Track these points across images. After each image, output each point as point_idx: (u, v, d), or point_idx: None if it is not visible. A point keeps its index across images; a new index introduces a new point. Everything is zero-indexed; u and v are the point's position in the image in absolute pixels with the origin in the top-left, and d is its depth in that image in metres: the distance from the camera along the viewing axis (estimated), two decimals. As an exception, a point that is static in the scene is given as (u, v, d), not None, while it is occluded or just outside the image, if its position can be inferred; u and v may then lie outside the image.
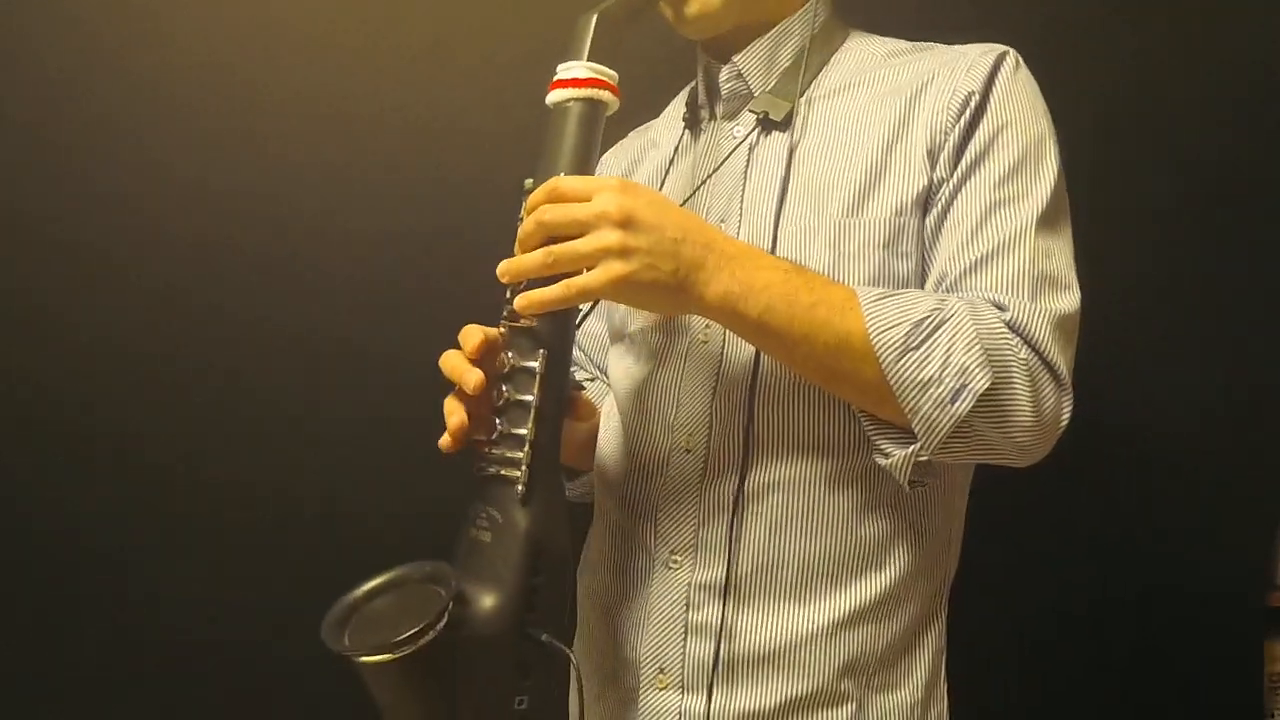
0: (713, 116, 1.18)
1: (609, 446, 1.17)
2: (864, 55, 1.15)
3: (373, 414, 1.59)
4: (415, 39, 1.58)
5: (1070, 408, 1.00)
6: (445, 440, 0.98)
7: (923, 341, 0.94)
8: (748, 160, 1.11)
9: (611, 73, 0.98)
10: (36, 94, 1.56)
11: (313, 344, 1.58)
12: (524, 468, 0.92)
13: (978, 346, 0.94)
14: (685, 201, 1.11)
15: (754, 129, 1.12)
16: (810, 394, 1.03)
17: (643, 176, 1.22)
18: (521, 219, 0.95)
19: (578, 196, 0.93)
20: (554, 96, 0.97)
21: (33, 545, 1.58)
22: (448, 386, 1.59)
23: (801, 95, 1.11)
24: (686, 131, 1.20)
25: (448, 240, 1.57)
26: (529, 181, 0.96)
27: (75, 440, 1.58)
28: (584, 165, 0.97)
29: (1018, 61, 1.08)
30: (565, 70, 0.97)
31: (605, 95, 0.97)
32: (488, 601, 0.89)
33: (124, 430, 1.58)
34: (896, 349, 0.94)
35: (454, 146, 1.58)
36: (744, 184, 1.10)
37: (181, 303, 1.57)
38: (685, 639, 1.05)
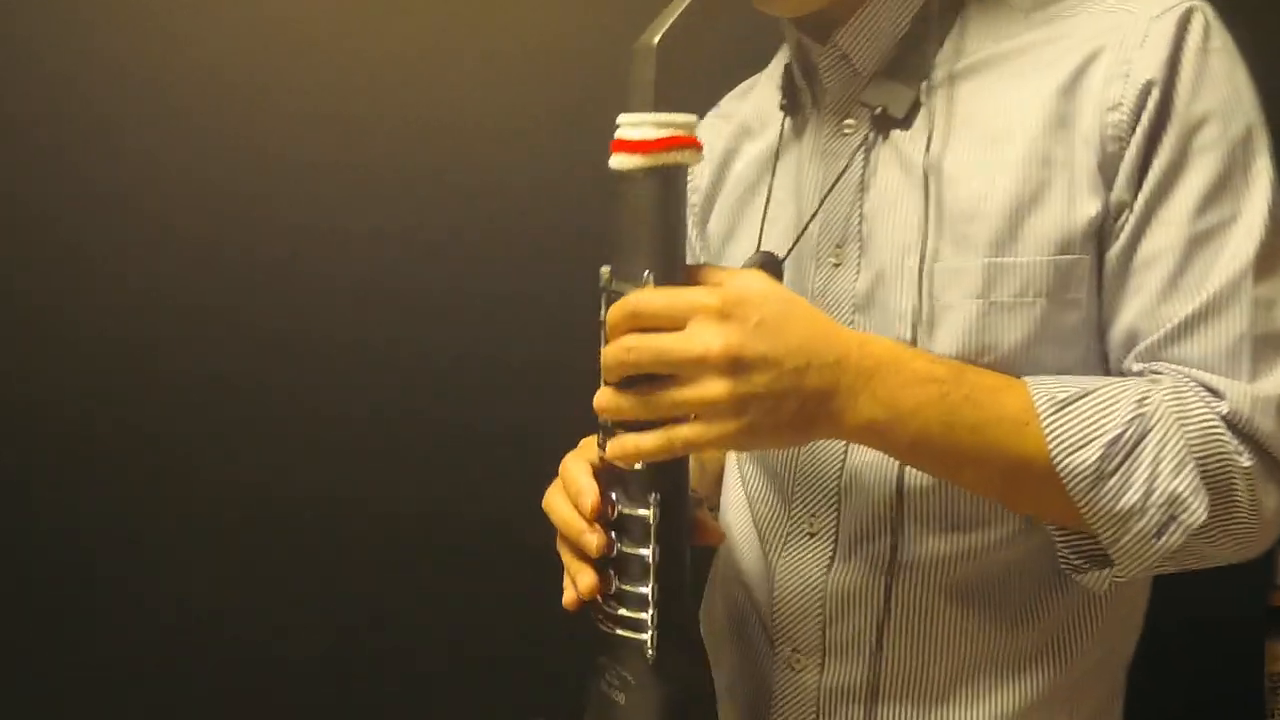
0: (816, 104, 0.93)
1: (729, 503, 1.01)
2: (1001, 12, 0.87)
3: (374, 414, 1.58)
4: (417, 38, 1.58)
5: None
6: (572, 599, 0.82)
7: (1121, 464, 0.75)
8: (864, 170, 0.88)
9: (689, 119, 0.77)
10: (35, 94, 1.55)
11: (314, 343, 1.58)
12: (650, 631, 0.79)
13: (1190, 467, 0.75)
14: (797, 241, 0.90)
15: (869, 128, 0.88)
16: None
17: (740, 176, 1.00)
18: (602, 321, 0.77)
19: (666, 322, 0.73)
20: (621, 162, 0.77)
21: (33, 545, 1.58)
22: (445, 387, 1.61)
23: (925, 79, 0.86)
24: (787, 119, 0.96)
25: (450, 240, 1.57)
26: (605, 271, 0.79)
27: (74, 439, 1.57)
28: (671, 257, 0.77)
29: (1209, 22, 0.80)
30: (630, 128, 0.77)
31: (685, 155, 0.77)
32: None
33: (124, 430, 1.58)
34: (1088, 477, 0.75)
35: (457, 146, 1.57)
36: (861, 201, 0.88)
37: (182, 302, 1.57)
38: None
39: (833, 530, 0.88)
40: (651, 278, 0.76)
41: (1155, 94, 0.79)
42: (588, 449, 0.84)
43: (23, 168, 1.56)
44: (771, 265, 0.85)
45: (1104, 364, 0.84)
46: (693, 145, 0.77)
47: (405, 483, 1.57)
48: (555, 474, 0.87)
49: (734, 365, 0.71)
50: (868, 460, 0.86)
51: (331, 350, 1.58)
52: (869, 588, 0.86)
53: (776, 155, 0.96)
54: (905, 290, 0.84)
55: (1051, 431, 0.76)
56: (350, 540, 1.58)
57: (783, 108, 0.96)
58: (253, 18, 1.56)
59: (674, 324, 0.73)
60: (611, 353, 0.74)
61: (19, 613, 1.58)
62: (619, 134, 0.77)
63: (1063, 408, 0.76)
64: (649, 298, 0.74)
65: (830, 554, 0.88)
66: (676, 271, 0.77)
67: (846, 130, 0.90)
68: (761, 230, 0.94)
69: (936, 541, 0.85)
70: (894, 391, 0.75)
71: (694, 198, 1.04)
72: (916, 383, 0.76)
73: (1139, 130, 0.79)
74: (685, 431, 0.74)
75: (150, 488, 1.58)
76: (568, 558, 0.83)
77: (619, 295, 0.77)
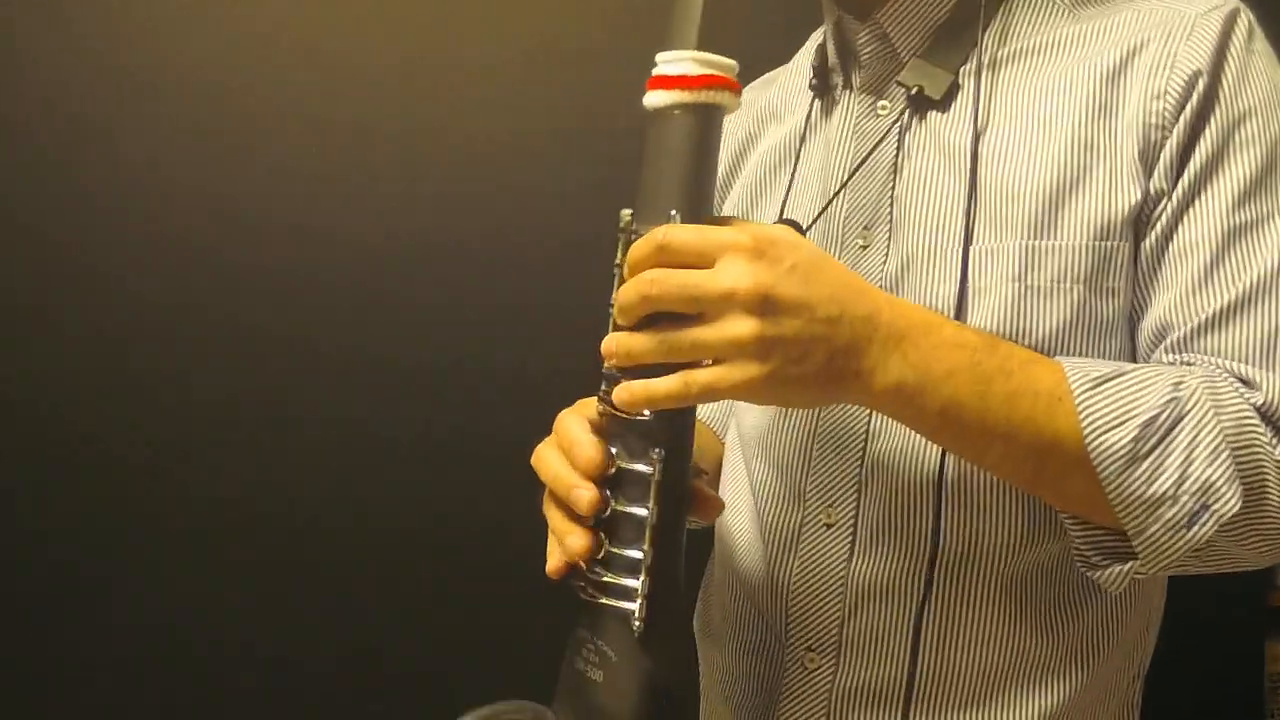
0: (848, 85, 0.92)
1: (730, 494, 0.95)
2: (1046, 5, 0.87)
3: (373, 419, 1.58)
4: (414, 42, 1.57)
5: None
6: (557, 566, 0.76)
7: (1154, 448, 0.72)
8: (897, 152, 0.86)
9: (730, 62, 0.73)
10: (31, 99, 1.55)
11: (310, 348, 1.58)
12: (640, 600, 0.73)
13: (1225, 455, 0.72)
14: (821, 214, 0.89)
15: (904, 108, 0.87)
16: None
17: (763, 158, 0.98)
18: (619, 266, 0.73)
19: (695, 257, 0.68)
20: (656, 99, 0.72)
21: (32, 550, 1.58)
22: (442, 391, 1.60)
23: (966, 63, 0.86)
24: (816, 101, 0.94)
25: (446, 244, 1.56)
26: (626, 214, 0.74)
27: (60, 443, 1.57)
28: (701, 197, 0.73)
29: (1252, 25, 0.81)
30: (670, 64, 0.72)
31: (724, 97, 0.73)
32: None
33: (116, 434, 1.57)
34: (1121, 459, 0.72)
35: (456, 151, 1.57)
36: (893, 183, 0.86)
37: (176, 307, 1.57)
38: None
39: (852, 520, 0.85)
40: (678, 217, 0.71)
41: (1201, 85, 0.79)
42: (584, 407, 0.79)
43: (15, 172, 1.55)
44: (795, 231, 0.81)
45: (1136, 360, 0.83)
46: (733, 88, 0.73)
47: (405, 488, 1.57)
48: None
49: (764, 304, 0.67)
50: (893, 446, 0.83)
51: (330, 355, 1.58)
52: (894, 580, 0.83)
53: (802, 136, 0.94)
54: (941, 273, 0.82)
55: (1086, 409, 0.73)
56: (349, 546, 1.58)
57: (812, 87, 0.94)
58: (250, 19, 1.56)
59: (702, 261, 0.68)
60: (632, 287, 0.69)
61: (13, 617, 1.58)
62: (657, 71, 0.73)
63: (1098, 385, 0.74)
64: (678, 231, 0.69)
65: (850, 545, 0.85)
66: (704, 214, 0.73)
67: (881, 112, 0.89)
68: (784, 207, 0.92)
69: (970, 533, 0.82)
70: (926, 354, 0.72)
71: None
72: (949, 347, 0.73)
73: (1182, 119, 0.79)
74: (704, 376, 0.69)
75: (146, 492, 1.58)
76: (555, 518, 0.76)
77: (640, 237, 0.72)
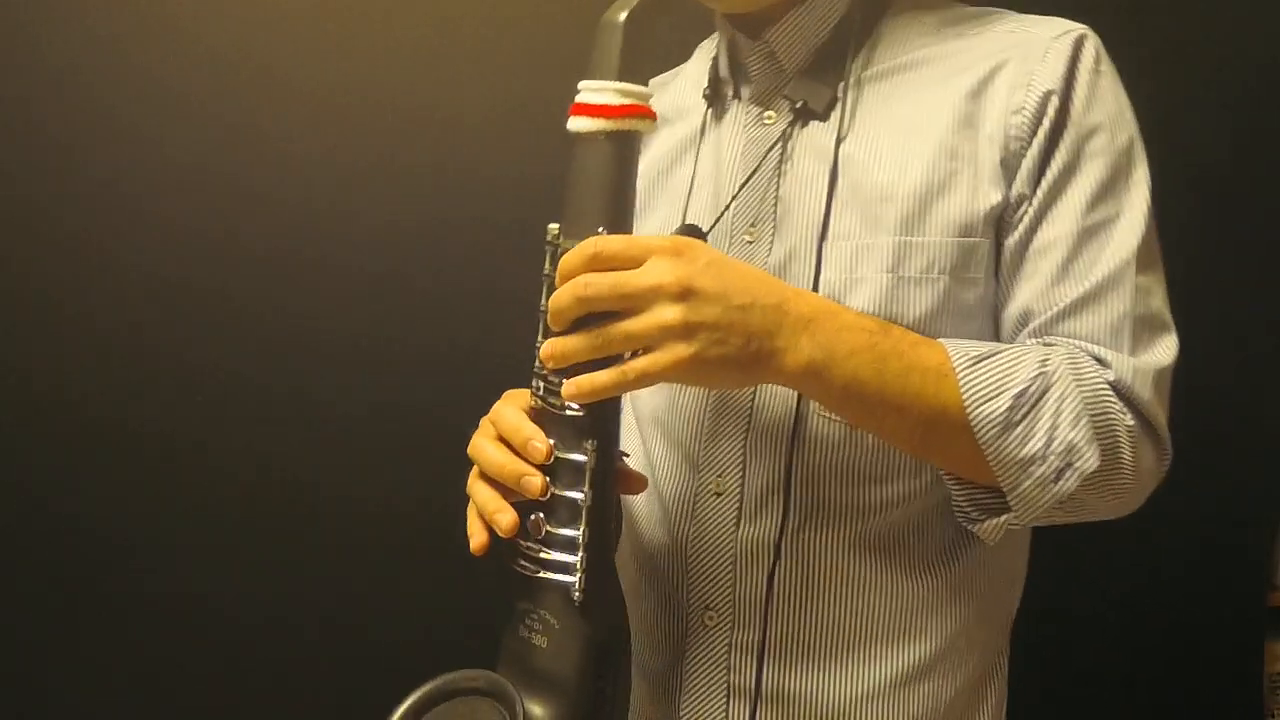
0: (737, 96, 1.01)
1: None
2: (913, 26, 0.98)
3: (377, 404, 1.59)
4: (423, 31, 1.58)
5: (1169, 459, 0.92)
6: (484, 542, 0.85)
7: (1026, 415, 0.84)
8: (781, 158, 0.96)
9: (647, 91, 0.82)
10: (41, 87, 1.55)
11: (319, 335, 1.59)
12: (579, 574, 0.82)
13: (1085, 420, 0.85)
14: (719, 218, 0.97)
15: (790, 119, 0.97)
16: (865, 435, 0.92)
17: (656, 159, 1.06)
18: (548, 274, 0.82)
19: (624, 262, 0.78)
20: (581, 125, 0.81)
21: (46, 537, 1.58)
22: (451, 381, 1.60)
23: (844, 79, 0.95)
24: (709, 109, 1.03)
25: (453, 232, 1.57)
26: (554, 228, 0.82)
27: (85, 433, 1.58)
28: (624, 215, 0.82)
29: (1098, 48, 0.93)
30: (593, 93, 0.81)
31: (643, 124, 0.82)
32: (549, 712, 0.83)
33: (131, 422, 1.58)
34: (998, 425, 0.84)
35: (461, 139, 1.57)
36: (777, 186, 0.96)
37: (187, 294, 1.57)
38: (729, 703, 0.95)
39: (738, 489, 0.94)
40: (604, 231, 0.80)
41: (1054, 103, 0.90)
42: (514, 399, 0.88)
43: (27, 158, 1.56)
44: (697, 236, 0.89)
45: (995, 340, 0.93)
46: (650, 115, 0.82)
47: (411, 470, 1.57)
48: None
49: (686, 293, 0.77)
50: (773, 419, 0.93)
51: (339, 341, 1.59)
52: (775, 544, 0.92)
53: (697, 141, 1.03)
54: (811, 262, 0.92)
55: (966, 383, 0.85)
56: (357, 530, 1.59)
57: (705, 97, 1.03)
58: (261, 9, 1.56)
59: (631, 264, 0.78)
60: (567, 291, 0.78)
61: (32, 607, 1.58)
62: (581, 98, 0.81)
63: (976, 363, 0.85)
64: (608, 240, 0.79)
65: (736, 512, 0.94)
66: (626, 230, 0.83)
67: (767, 121, 0.98)
68: (686, 207, 1.01)
69: (837, 498, 0.92)
70: (830, 335, 0.82)
71: None
72: (850, 330, 0.83)
73: (1039, 134, 0.90)
74: (639, 363, 0.78)
75: (157, 481, 1.59)
76: (485, 497, 0.85)
77: (569, 250, 0.80)
